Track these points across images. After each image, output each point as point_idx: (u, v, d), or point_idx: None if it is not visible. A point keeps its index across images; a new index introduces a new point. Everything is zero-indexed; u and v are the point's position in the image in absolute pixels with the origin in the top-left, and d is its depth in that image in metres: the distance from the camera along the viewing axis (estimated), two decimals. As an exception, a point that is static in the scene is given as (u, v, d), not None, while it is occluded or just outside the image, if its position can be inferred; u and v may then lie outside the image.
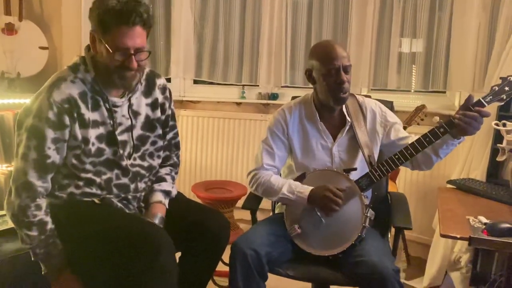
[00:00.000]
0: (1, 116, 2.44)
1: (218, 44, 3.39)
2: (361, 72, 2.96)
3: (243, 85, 3.41)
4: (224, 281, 2.32)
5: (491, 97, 1.54)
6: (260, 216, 1.86)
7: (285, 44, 3.22)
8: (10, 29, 2.97)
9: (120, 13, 1.37)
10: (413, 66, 2.94)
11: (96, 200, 1.55)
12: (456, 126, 1.52)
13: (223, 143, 3.41)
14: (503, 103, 1.58)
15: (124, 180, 1.59)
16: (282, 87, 3.32)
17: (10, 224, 1.91)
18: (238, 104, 3.41)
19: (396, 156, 1.62)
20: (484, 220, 1.52)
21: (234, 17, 3.34)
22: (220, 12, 3.36)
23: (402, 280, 2.47)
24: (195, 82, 3.57)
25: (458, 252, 2.38)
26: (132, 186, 1.62)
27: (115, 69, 1.44)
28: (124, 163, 1.57)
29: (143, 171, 1.65)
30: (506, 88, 1.53)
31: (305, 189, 1.66)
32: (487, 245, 1.43)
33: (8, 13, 2.99)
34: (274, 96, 3.32)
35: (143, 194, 1.67)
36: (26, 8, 3.12)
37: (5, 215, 1.97)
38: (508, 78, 1.54)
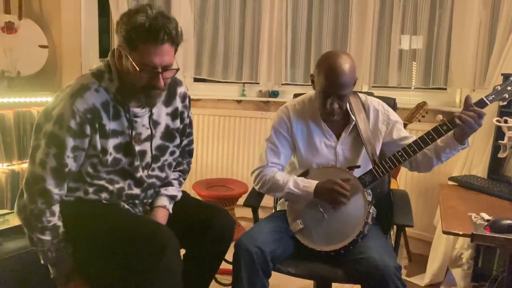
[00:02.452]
0: (1, 115, 2.44)
1: (218, 41, 3.39)
2: (362, 69, 2.95)
3: (244, 83, 3.41)
4: (226, 279, 2.32)
5: (493, 96, 1.56)
6: (261, 214, 1.86)
7: (285, 42, 3.22)
8: (9, 28, 2.96)
9: (148, 31, 1.32)
10: (414, 63, 2.94)
11: (104, 201, 1.54)
12: (460, 125, 1.53)
13: (224, 141, 3.40)
14: (505, 103, 1.61)
15: (136, 191, 1.58)
16: (282, 84, 3.32)
17: (11, 223, 1.91)
18: (239, 102, 3.40)
19: (399, 153, 1.62)
20: (486, 216, 1.52)
21: (234, 14, 3.34)
22: (220, 9, 3.35)
23: (404, 277, 2.48)
24: (195, 80, 3.56)
25: (460, 248, 2.38)
26: (143, 195, 1.62)
27: (142, 88, 1.41)
28: (138, 174, 1.55)
29: (158, 182, 1.64)
30: (509, 88, 1.55)
31: (311, 184, 1.66)
32: (490, 242, 1.43)
33: (7, 12, 2.98)
34: (274, 94, 3.31)
35: (150, 200, 1.66)
36: (26, 6, 3.12)
37: (6, 214, 1.98)
38: (511, 78, 1.56)
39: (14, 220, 1.90)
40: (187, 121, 1.68)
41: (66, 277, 1.53)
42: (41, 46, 3.09)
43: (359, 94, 1.80)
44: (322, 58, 1.65)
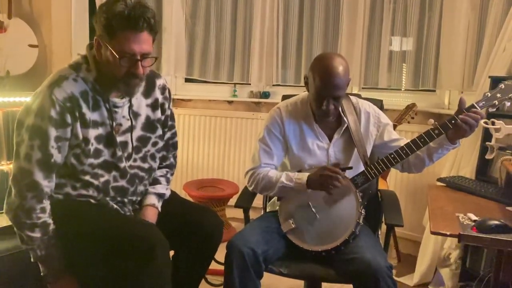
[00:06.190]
0: (-9, 114, 2.41)
1: (209, 42, 3.39)
2: (352, 71, 2.95)
3: (235, 84, 3.41)
4: (217, 280, 2.32)
5: (483, 102, 1.60)
6: (252, 214, 1.87)
7: (276, 43, 3.23)
8: (-1, 27, 2.94)
9: (128, 19, 1.35)
10: (404, 64, 2.96)
11: (92, 201, 1.54)
12: (458, 127, 1.57)
13: (215, 141, 3.41)
14: (494, 109, 1.65)
15: (122, 182, 1.58)
16: (273, 85, 3.33)
17: (1, 224, 1.89)
18: (230, 102, 3.41)
19: (392, 156, 1.64)
20: (473, 217, 1.54)
21: (225, 14, 3.34)
22: (212, 9, 3.36)
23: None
24: (187, 80, 3.56)
25: (448, 249, 2.40)
26: (132, 189, 1.61)
27: (122, 77, 1.43)
28: (122, 164, 1.55)
29: (142, 173, 1.63)
30: (498, 95, 1.59)
31: (303, 175, 1.68)
32: (476, 242, 1.45)
33: (-3, 11, 2.96)
34: (265, 95, 3.32)
35: (139, 198, 1.66)
36: (16, 5, 3.09)
37: (-4, 214, 1.97)
38: (500, 85, 1.60)
39: (4, 221, 1.88)
40: (168, 112, 1.69)
41: (56, 274, 1.52)
42: (31, 46, 3.06)
43: (350, 96, 1.82)
44: (316, 60, 1.67)
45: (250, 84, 3.37)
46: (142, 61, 1.42)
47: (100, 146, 1.51)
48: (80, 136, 1.46)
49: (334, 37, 3.12)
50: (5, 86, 2.84)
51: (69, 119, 1.43)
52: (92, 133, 1.48)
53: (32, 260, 1.51)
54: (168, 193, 1.72)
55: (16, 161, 1.45)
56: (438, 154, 1.67)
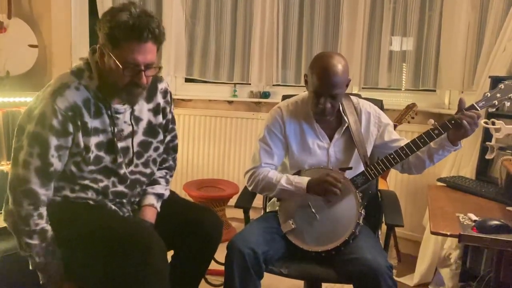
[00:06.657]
0: (-9, 115, 2.41)
1: (209, 42, 3.39)
2: (352, 70, 2.96)
3: (235, 84, 3.41)
4: (217, 280, 2.32)
5: (483, 102, 1.60)
6: (252, 214, 1.87)
7: (276, 43, 3.23)
8: (-1, 27, 2.94)
9: (132, 29, 1.33)
10: (404, 64, 2.96)
11: (91, 202, 1.54)
12: (457, 127, 1.57)
13: (215, 141, 3.41)
14: (494, 109, 1.65)
15: (121, 188, 1.57)
16: (273, 85, 3.33)
17: (1, 224, 1.89)
18: (230, 102, 3.41)
19: (392, 156, 1.64)
20: (473, 217, 1.54)
21: (225, 15, 3.34)
22: (212, 10, 3.36)
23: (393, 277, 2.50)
24: (187, 80, 3.56)
25: (448, 249, 2.40)
26: (130, 193, 1.61)
27: (125, 86, 1.41)
28: (122, 171, 1.55)
29: (143, 178, 1.63)
30: (498, 95, 1.60)
31: (303, 180, 1.68)
32: (477, 242, 1.45)
33: (-4, 11, 2.95)
34: (265, 95, 3.32)
35: (137, 198, 1.66)
36: (15, 5, 3.09)
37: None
38: (500, 86, 1.60)
39: (2, 221, 1.88)
40: (169, 116, 1.68)
41: (56, 282, 1.52)
42: (31, 46, 3.06)
43: (351, 96, 1.82)
44: (315, 58, 1.68)
45: (250, 84, 3.37)
46: (146, 71, 1.41)
47: (101, 153, 1.50)
48: (82, 145, 1.45)
49: (334, 37, 3.12)
50: (5, 86, 2.84)
51: (71, 128, 1.42)
52: (93, 140, 1.47)
53: (30, 267, 1.50)
54: (167, 193, 1.72)
55: (13, 168, 1.44)
56: (439, 155, 1.67)
